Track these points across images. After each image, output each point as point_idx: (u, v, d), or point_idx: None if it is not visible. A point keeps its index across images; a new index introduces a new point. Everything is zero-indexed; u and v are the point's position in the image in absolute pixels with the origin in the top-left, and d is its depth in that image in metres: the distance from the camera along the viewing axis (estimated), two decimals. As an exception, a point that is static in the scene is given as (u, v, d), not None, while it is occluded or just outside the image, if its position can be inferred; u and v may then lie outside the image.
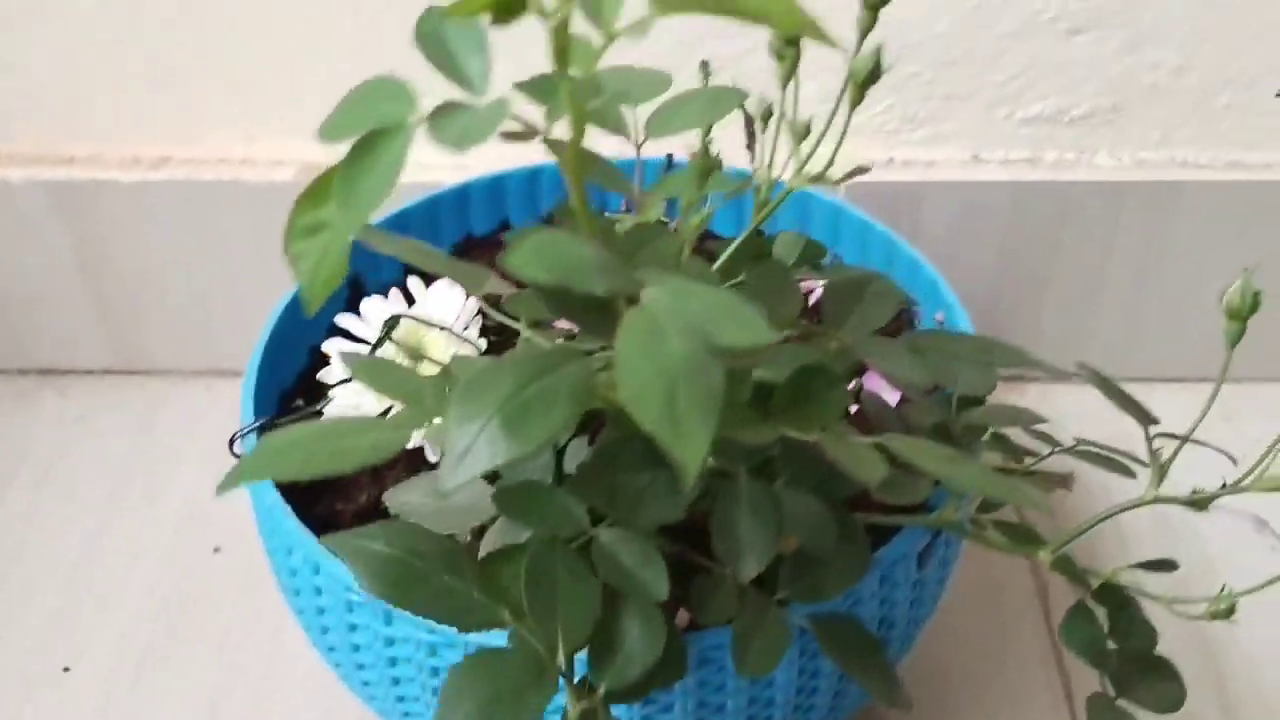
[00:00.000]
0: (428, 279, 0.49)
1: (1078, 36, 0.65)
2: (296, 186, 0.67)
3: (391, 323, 0.46)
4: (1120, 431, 0.44)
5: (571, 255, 0.24)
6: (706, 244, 0.52)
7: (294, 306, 0.54)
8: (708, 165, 0.33)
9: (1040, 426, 0.43)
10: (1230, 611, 0.34)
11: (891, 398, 0.45)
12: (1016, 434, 0.45)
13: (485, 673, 0.36)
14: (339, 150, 0.26)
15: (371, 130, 0.25)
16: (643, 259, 0.29)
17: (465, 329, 0.48)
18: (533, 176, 0.63)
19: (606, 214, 0.45)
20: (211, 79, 0.67)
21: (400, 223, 0.60)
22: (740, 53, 0.66)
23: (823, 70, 0.63)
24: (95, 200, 0.70)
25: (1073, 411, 0.75)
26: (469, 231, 0.63)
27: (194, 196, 0.69)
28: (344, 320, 0.49)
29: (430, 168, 0.67)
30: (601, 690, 0.36)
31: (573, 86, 0.25)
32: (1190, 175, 0.69)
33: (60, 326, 0.75)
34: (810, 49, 0.36)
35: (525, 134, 0.26)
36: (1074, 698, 0.58)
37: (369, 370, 0.34)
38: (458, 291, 0.48)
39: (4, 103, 0.69)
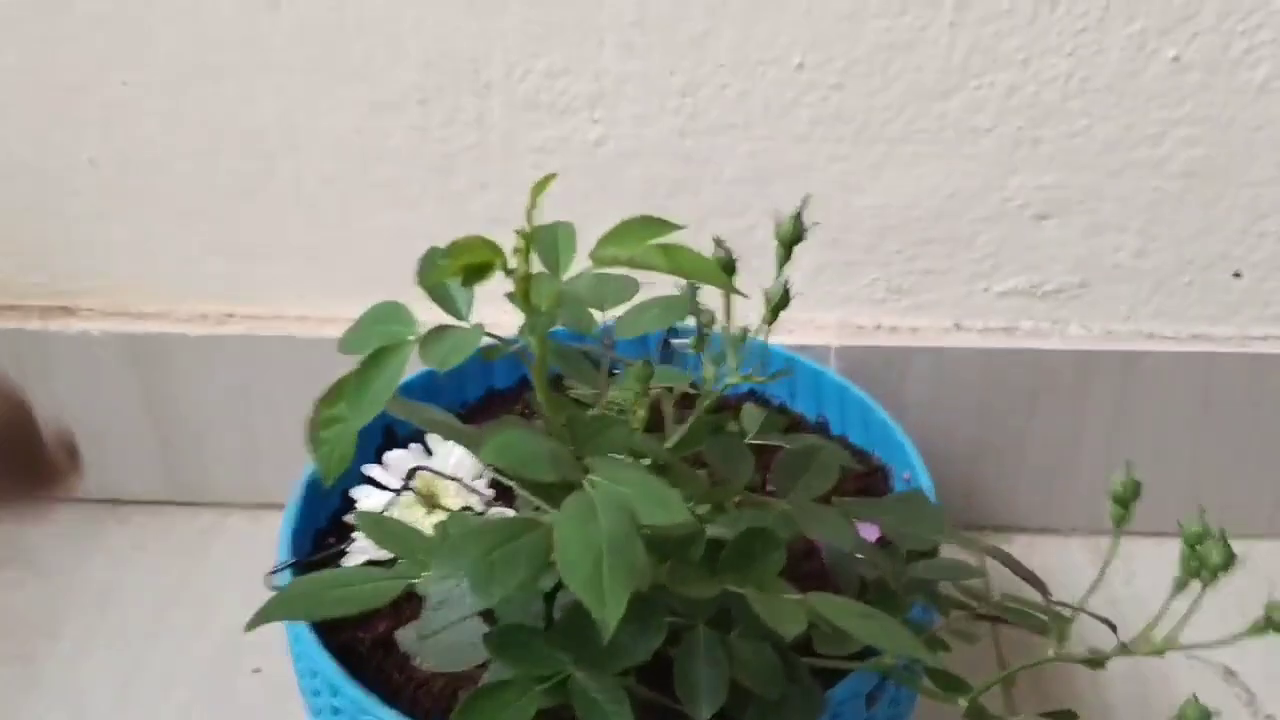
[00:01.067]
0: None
1: (1045, 221, 0.72)
2: (324, 341, 0.75)
3: (411, 473, 0.53)
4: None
5: (528, 450, 0.31)
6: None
7: (330, 456, 0.61)
8: (646, 374, 0.40)
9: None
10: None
11: (870, 536, 0.52)
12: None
13: None
14: None
15: (378, 347, 0.33)
16: (596, 444, 0.36)
17: (475, 480, 0.54)
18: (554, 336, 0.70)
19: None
20: (270, 248, 0.76)
21: (429, 377, 0.67)
22: (743, 229, 0.74)
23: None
24: (163, 350, 0.78)
25: (1055, 563, 0.80)
26: (491, 385, 0.71)
27: (251, 349, 0.78)
28: (370, 470, 0.56)
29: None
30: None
31: (534, 321, 0.32)
32: (1156, 346, 0.75)
33: (125, 461, 0.84)
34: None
35: (500, 350, 0.33)
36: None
37: (373, 527, 0.41)
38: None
39: (88, 265, 0.78)
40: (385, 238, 0.75)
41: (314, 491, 0.60)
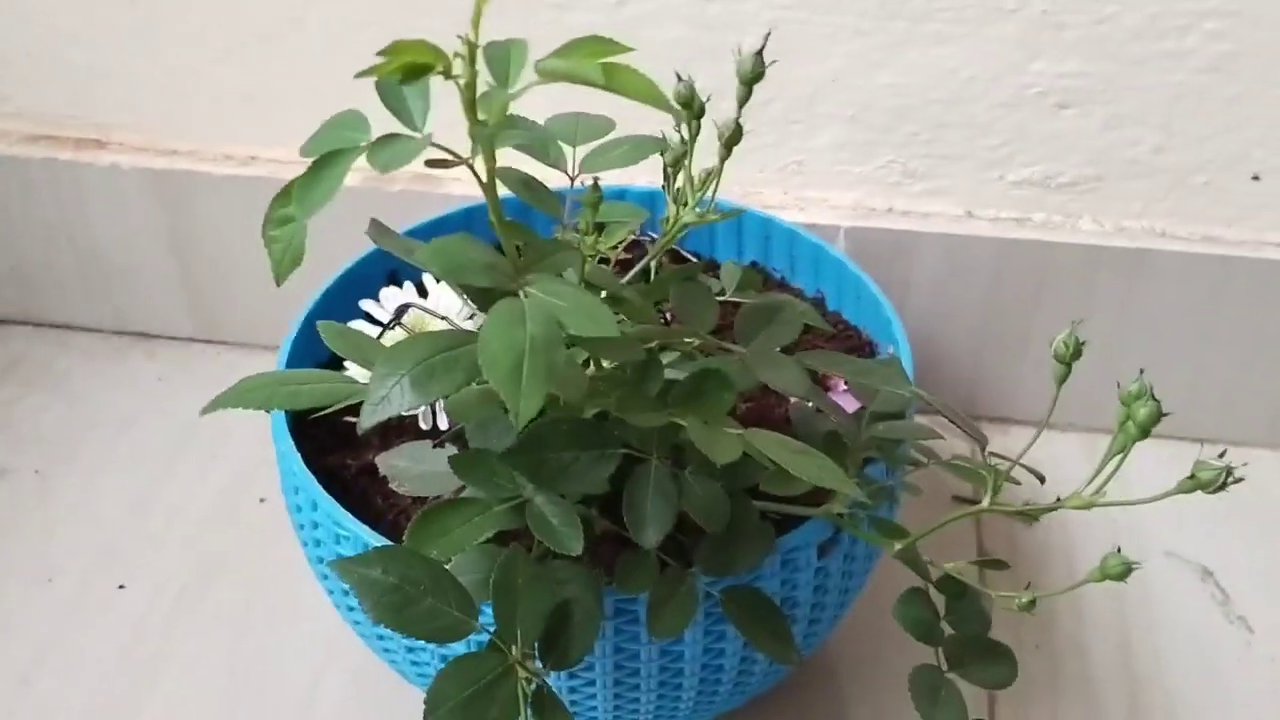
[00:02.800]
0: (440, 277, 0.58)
1: (1064, 111, 0.71)
2: (361, 190, 0.77)
3: (401, 310, 0.55)
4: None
5: (463, 256, 0.32)
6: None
7: (332, 291, 0.63)
8: (594, 198, 0.41)
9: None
10: (1032, 605, 0.41)
11: (850, 407, 0.53)
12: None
13: (462, 675, 0.42)
14: None
15: (330, 150, 0.34)
16: (543, 265, 0.37)
17: (464, 320, 0.56)
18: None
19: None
20: (296, 93, 0.78)
21: (439, 227, 0.69)
22: (762, 102, 0.74)
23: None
24: (190, 188, 0.80)
25: (1049, 456, 0.80)
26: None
27: (274, 192, 0.79)
28: (367, 304, 0.58)
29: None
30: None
31: (477, 130, 0.33)
32: (1167, 245, 0.74)
33: (154, 297, 0.86)
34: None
35: (447, 163, 0.34)
36: (995, 698, 0.64)
37: (337, 337, 0.43)
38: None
39: (122, 101, 0.80)
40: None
41: (310, 326, 0.62)
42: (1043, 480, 0.46)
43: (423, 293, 0.58)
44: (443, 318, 0.55)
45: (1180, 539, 0.75)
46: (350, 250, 0.82)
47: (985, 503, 0.42)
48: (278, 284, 0.37)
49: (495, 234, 0.38)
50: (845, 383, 0.60)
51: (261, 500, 0.76)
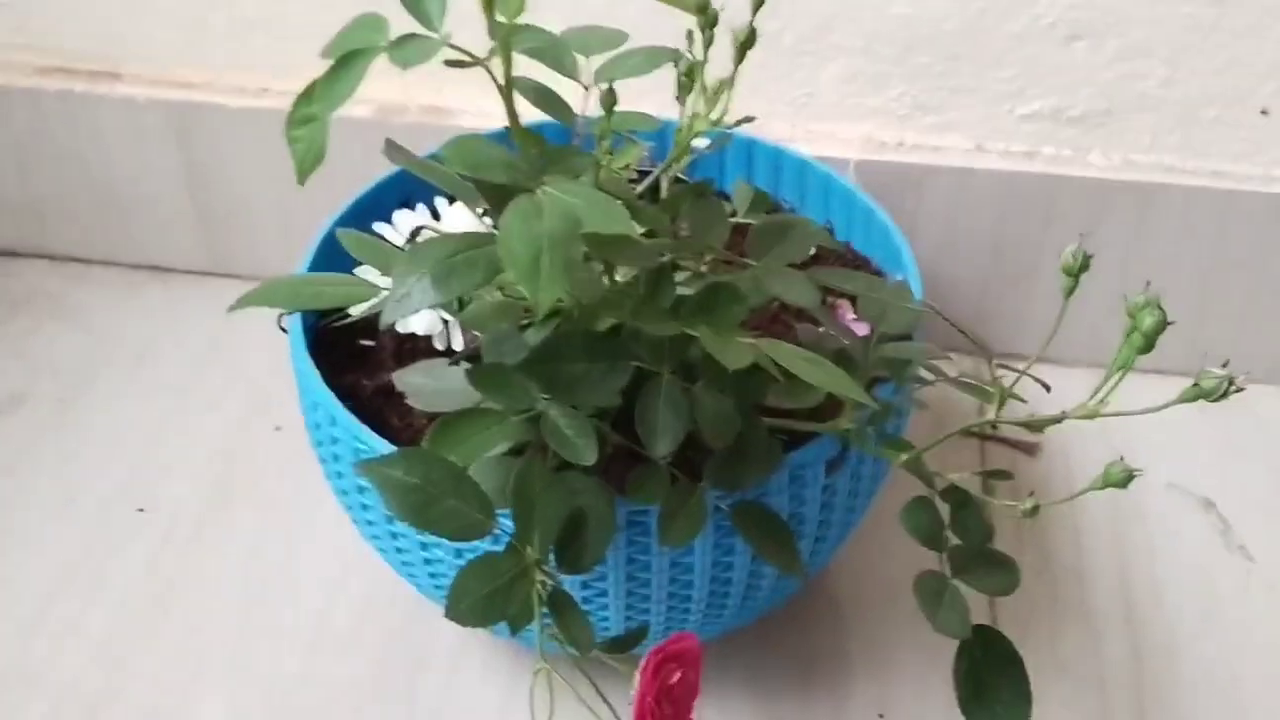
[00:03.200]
0: (453, 200, 0.59)
1: (1075, 43, 0.72)
2: (373, 122, 0.78)
3: (415, 232, 0.56)
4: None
5: (485, 155, 0.33)
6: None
7: (346, 217, 0.64)
8: (610, 101, 0.42)
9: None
10: (1035, 510, 0.41)
11: (860, 331, 0.54)
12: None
13: (483, 572, 0.44)
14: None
15: (350, 50, 0.35)
16: (558, 169, 0.38)
17: (477, 243, 0.57)
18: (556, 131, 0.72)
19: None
20: (309, 26, 0.78)
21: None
22: (774, 32, 0.74)
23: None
24: (204, 121, 0.81)
25: (1055, 385, 0.81)
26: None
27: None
28: (380, 227, 0.58)
29: (489, 115, 0.77)
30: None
31: (496, 27, 0.34)
32: (1175, 179, 0.75)
33: (168, 229, 0.87)
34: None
35: (465, 63, 0.35)
36: (996, 617, 0.65)
37: (359, 244, 0.44)
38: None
39: (135, 32, 0.80)
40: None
41: (328, 248, 0.62)
42: (1048, 389, 0.47)
43: (435, 216, 0.59)
44: (457, 239, 0.56)
45: (1183, 471, 0.76)
46: (362, 182, 0.82)
47: (991, 415, 0.43)
48: (300, 182, 0.38)
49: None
50: (854, 311, 0.61)
51: (277, 428, 0.77)
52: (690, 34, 0.53)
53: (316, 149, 0.36)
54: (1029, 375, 0.44)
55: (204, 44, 0.80)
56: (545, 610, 0.43)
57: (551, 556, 0.44)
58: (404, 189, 0.67)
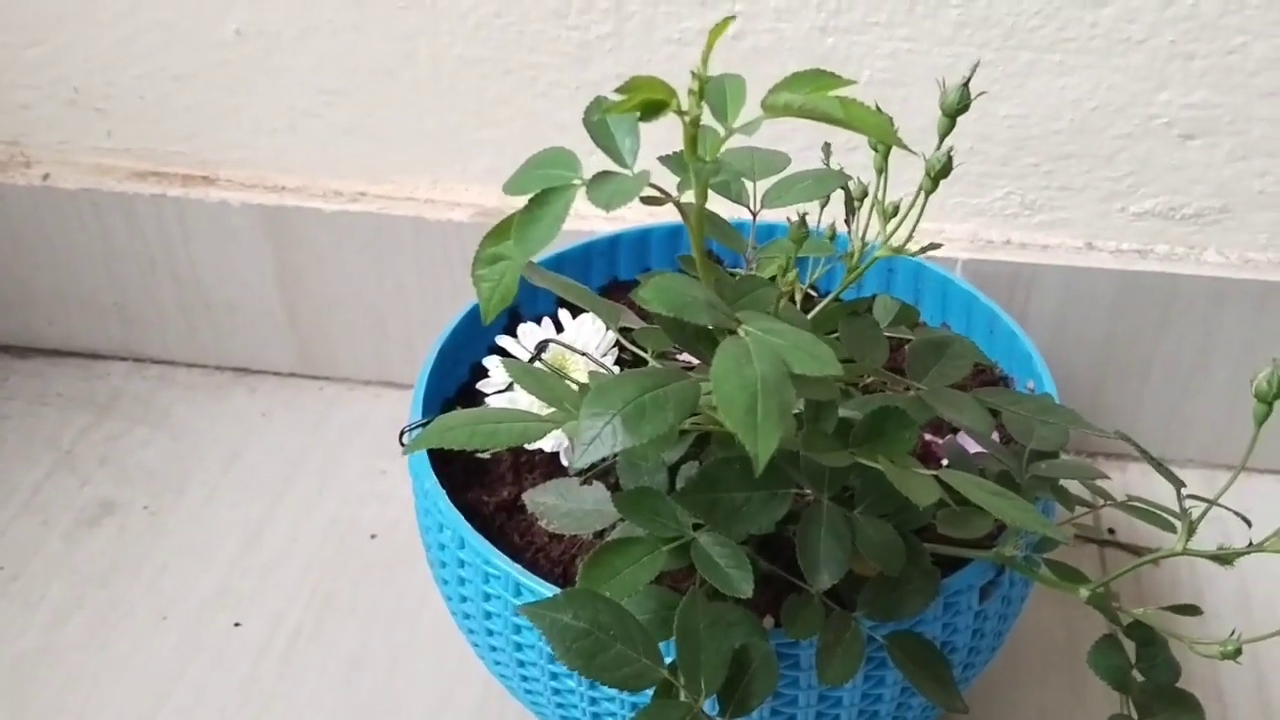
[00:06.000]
0: (575, 312, 0.57)
1: (1190, 141, 0.70)
2: (470, 226, 0.78)
3: (542, 346, 0.55)
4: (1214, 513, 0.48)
5: (686, 294, 0.32)
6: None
7: (460, 328, 0.62)
8: (801, 235, 0.41)
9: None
10: (1237, 652, 0.39)
11: (970, 449, 0.52)
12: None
13: None
14: (508, 199, 0.35)
15: (545, 188, 0.33)
16: (744, 303, 0.36)
17: (603, 356, 0.55)
18: (675, 232, 0.71)
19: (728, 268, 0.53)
20: (405, 130, 0.78)
21: (557, 263, 0.68)
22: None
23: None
24: (298, 225, 0.80)
25: (1167, 491, 0.79)
26: (615, 276, 0.71)
27: (382, 228, 0.79)
28: (503, 340, 0.57)
29: (586, 218, 0.76)
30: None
31: (698, 166, 0.32)
32: (1294, 277, 0.73)
33: (257, 332, 0.86)
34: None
35: (660, 200, 0.34)
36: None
37: (525, 375, 0.42)
38: (599, 324, 0.56)
39: (231, 138, 0.80)
40: (518, 125, 0.76)
41: (445, 360, 0.61)
42: (1249, 524, 0.45)
43: (558, 328, 0.58)
44: (583, 353, 0.54)
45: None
46: (457, 286, 0.81)
47: (1178, 546, 0.41)
48: (485, 323, 0.36)
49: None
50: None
51: (372, 536, 0.76)
52: (827, 146, 0.52)
53: (505, 290, 0.35)
54: (1227, 509, 0.41)
55: (298, 148, 0.80)
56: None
57: (715, 700, 0.42)
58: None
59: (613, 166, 0.34)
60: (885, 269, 0.69)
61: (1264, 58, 0.67)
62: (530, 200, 0.34)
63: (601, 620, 0.40)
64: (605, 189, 0.33)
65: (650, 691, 0.42)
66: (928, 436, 0.59)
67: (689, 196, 0.34)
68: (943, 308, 0.68)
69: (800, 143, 0.66)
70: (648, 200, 0.34)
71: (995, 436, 0.55)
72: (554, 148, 0.35)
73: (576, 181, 0.34)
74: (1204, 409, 0.78)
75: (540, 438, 0.38)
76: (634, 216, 0.76)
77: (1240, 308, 0.74)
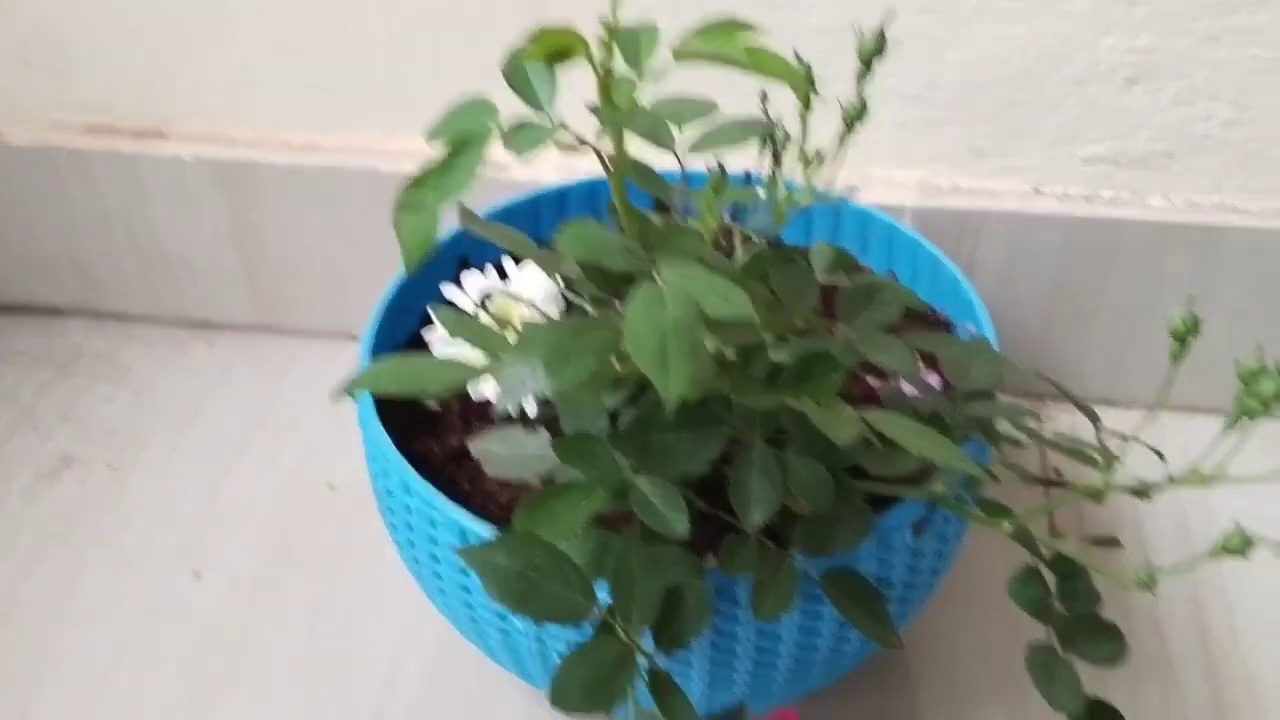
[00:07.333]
0: (520, 261, 0.58)
1: (1134, 86, 0.71)
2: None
3: (487, 295, 0.55)
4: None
5: (601, 240, 0.32)
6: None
7: (410, 278, 0.63)
8: (719, 180, 0.41)
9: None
10: (1152, 583, 0.40)
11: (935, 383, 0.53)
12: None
13: (585, 660, 0.42)
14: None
15: (462, 136, 0.34)
16: (666, 250, 0.37)
17: (547, 305, 0.56)
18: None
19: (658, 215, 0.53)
20: (358, 82, 0.78)
21: (507, 215, 0.69)
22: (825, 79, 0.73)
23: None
24: (251, 178, 0.80)
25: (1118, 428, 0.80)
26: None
27: (335, 180, 0.79)
28: (448, 290, 0.58)
29: (539, 165, 0.77)
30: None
31: (611, 114, 0.33)
32: (1239, 221, 0.74)
33: (215, 286, 0.87)
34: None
35: (577, 147, 0.34)
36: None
37: (457, 323, 0.43)
38: (543, 273, 0.56)
39: (182, 92, 0.80)
40: (473, 74, 0.76)
41: (394, 310, 0.62)
42: (1162, 457, 0.46)
43: (502, 276, 0.58)
44: (528, 302, 0.55)
45: (1253, 518, 0.74)
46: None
47: (1100, 481, 0.42)
48: (408, 271, 0.37)
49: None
50: (925, 362, 0.60)
51: (331, 486, 0.77)
52: (764, 95, 0.53)
53: (426, 237, 0.35)
54: (1142, 443, 0.43)
55: (250, 102, 0.80)
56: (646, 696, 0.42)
57: (649, 635, 0.43)
58: (461, 247, 0.67)
59: (531, 114, 0.35)
60: (832, 218, 0.70)
61: (1206, 2, 0.67)
62: (449, 148, 0.34)
63: (536, 562, 0.40)
64: (520, 136, 0.33)
65: (591, 630, 0.43)
66: (874, 383, 0.60)
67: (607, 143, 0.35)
68: (889, 255, 0.69)
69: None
70: (565, 147, 0.34)
71: (938, 383, 0.56)
72: (474, 96, 0.36)
73: (493, 128, 0.34)
74: (1150, 353, 0.79)
75: (464, 383, 0.39)
76: (588, 168, 0.76)
77: (1184, 252, 0.75)
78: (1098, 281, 0.77)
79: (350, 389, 0.39)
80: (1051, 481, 0.48)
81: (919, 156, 0.76)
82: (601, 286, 0.37)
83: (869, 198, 0.75)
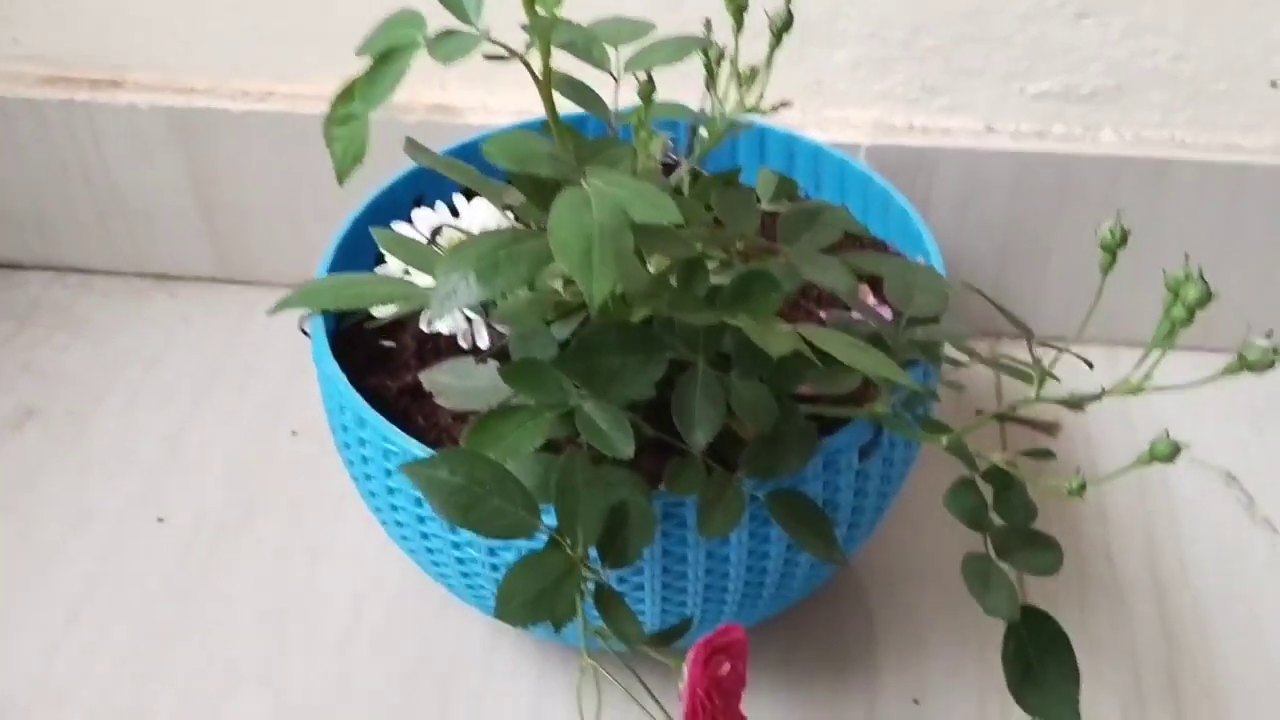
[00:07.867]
0: (470, 196, 0.58)
1: (1083, 20, 0.71)
2: (380, 123, 0.77)
3: (437, 229, 0.56)
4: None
5: (530, 149, 0.33)
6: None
7: (363, 217, 0.63)
8: (647, 91, 0.42)
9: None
10: (1082, 489, 0.41)
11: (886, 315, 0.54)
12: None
13: (530, 572, 0.43)
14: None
15: (389, 47, 0.34)
16: (597, 161, 0.37)
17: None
18: (580, 120, 0.71)
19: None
20: (312, 29, 0.77)
21: (465, 152, 0.69)
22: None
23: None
24: (208, 126, 0.80)
25: (1070, 361, 0.82)
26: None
27: (292, 127, 0.79)
28: (400, 226, 0.58)
29: (496, 111, 0.77)
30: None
31: (537, 22, 0.33)
32: (1187, 154, 0.75)
33: (174, 237, 0.87)
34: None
35: (504, 56, 0.35)
36: (1026, 584, 0.65)
37: (394, 243, 0.44)
38: (493, 209, 0.56)
39: (137, 40, 0.79)
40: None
41: (346, 250, 0.62)
42: (1091, 366, 0.47)
43: (454, 213, 0.59)
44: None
45: (1203, 446, 0.76)
46: (372, 183, 0.81)
47: (1033, 394, 0.43)
48: (340, 182, 0.37)
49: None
50: (874, 296, 0.60)
51: (293, 433, 0.77)
52: (709, 21, 0.53)
53: (356, 148, 0.36)
54: (1071, 353, 0.43)
55: (205, 50, 0.79)
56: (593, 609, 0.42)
57: (594, 552, 0.44)
58: (417, 187, 0.67)
59: (458, 25, 0.35)
60: (786, 153, 0.70)
61: (1153, -65, 0.68)
62: (376, 58, 0.34)
63: (478, 476, 0.41)
64: (445, 45, 0.33)
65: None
66: (822, 314, 0.61)
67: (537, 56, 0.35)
68: (841, 191, 0.69)
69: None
70: (491, 57, 0.34)
71: (889, 315, 0.56)
72: (404, 10, 0.36)
73: (420, 39, 0.35)
74: (1104, 288, 0.80)
75: (409, 298, 0.39)
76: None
77: (1136, 186, 0.75)
78: (1051, 218, 0.78)
79: (288, 302, 0.39)
80: (1021, 420, 0.48)
81: (873, 96, 0.76)
82: (536, 202, 0.37)
83: (826, 138, 0.76)
